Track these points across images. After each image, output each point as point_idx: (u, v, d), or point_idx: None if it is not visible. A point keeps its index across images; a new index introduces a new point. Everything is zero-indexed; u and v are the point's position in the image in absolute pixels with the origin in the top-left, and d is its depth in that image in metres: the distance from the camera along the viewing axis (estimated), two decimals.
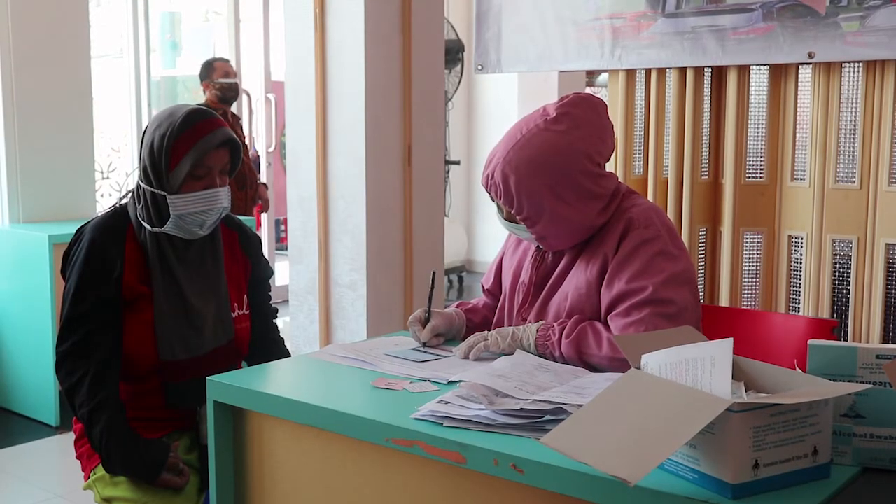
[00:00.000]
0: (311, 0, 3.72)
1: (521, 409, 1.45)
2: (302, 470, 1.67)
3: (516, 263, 2.08)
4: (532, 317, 1.97)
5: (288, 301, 4.08)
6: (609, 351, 1.77)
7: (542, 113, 1.92)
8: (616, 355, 1.75)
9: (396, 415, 1.52)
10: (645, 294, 1.80)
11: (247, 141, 5.67)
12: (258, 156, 6.51)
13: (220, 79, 5.40)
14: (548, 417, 1.43)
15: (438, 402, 1.52)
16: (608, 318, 1.85)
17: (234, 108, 5.77)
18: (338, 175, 3.75)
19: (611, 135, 1.97)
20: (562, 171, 1.87)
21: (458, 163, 7.70)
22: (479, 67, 3.31)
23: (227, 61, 5.61)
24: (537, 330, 1.87)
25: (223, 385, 1.74)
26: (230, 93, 5.41)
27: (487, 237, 8.06)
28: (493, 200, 1.97)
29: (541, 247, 2.00)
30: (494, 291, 2.18)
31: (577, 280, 1.92)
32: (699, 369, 1.27)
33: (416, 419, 1.49)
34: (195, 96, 6.23)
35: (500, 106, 7.87)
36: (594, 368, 1.79)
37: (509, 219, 1.96)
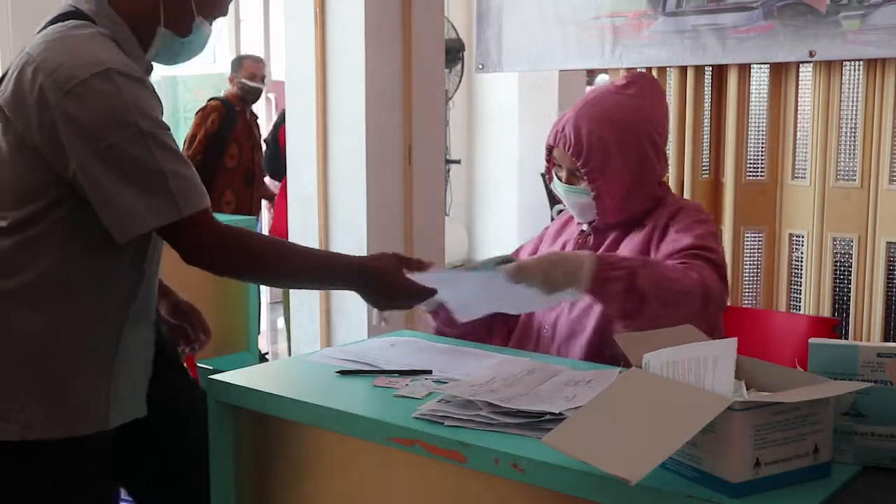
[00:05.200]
0: (311, 0, 3.72)
1: (519, 411, 1.45)
2: (302, 469, 1.67)
3: (561, 249, 2.07)
4: None
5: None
6: (697, 275, 1.74)
7: (613, 82, 2.03)
8: (705, 280, 1.73)
9: (397, 414, 1.51)
10: (698, 248, 1.82)
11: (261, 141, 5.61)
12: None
13: (244, 79, 5.34)
14: (548, 417, 1.43)
15: (439, 402, 1.52)
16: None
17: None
18: (338, 175, 3.75)
19: (667, 123, 2.04)
20: (630, 130, 1.92)
21: (458, 162, 7.70)
22: (480, 66, 3.31)
23: (259, 61, 5.51)
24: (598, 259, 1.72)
25: (223, 384, 1.74)
26: (250, 95, 5.36)
27: (488, 236, 8.06)
28: (554, 164, 1.99)
29: (585, 229, 2.01)
30: None
31: None
32: (702, 368, 1.27)
33: (416, 418, 1.49)
34: (196, 96, 6.23)
35: (500, 105, 7.87)
36: (661, 308, 1.69)
37: (569, 181, 1.97)
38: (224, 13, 1.83)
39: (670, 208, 1.96)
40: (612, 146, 1.91)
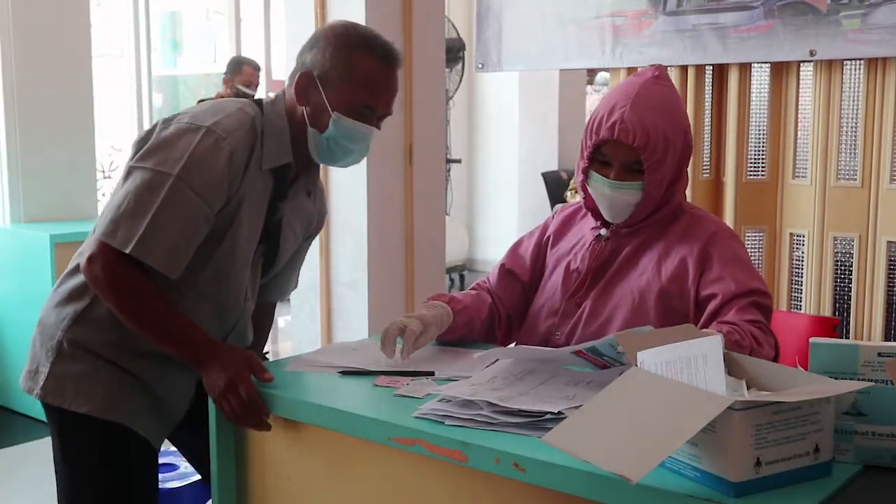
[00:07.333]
0: (312, 0, 3.72)
1: (520, 411, 1.45)
2: (304, 469, 1.67)
3: (571, 253, 2.02)
4: (589, 303, 1.93)
5: (289, 300, 4.08)
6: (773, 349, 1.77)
7: (640, 73, 1.93)
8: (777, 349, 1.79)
9: (398, 414, 1.51)
10: (754, 292, 1.82)
11: None
12: None
13: (241, 84, 5.23)
14: (549, 416, 1.43)
15: (440, 401, 1.52)
16: (721, 314, 1.80)
17: None
18: (338, 174, 3.75)
19: None
20: (678, 121, 1.90)
21: (459, 161, 7.70)
22: (480, 66, 3.31)
23: (257, 69, 5.41)
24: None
25: None
26: None
27: (489, 236, 8.06)
28: (594, 161, 1.89)
29: (602, 234, 1.96)
30: (521, 274, 2.09)
31: (647, 278, 1.88)
32: (693, 367, 1.27)
33: (417, 418, 1.49)
34: (196, 95, 6.23)
35: (500, 104, 7.87)
36: None
37: (620, 176, 1.86)
38: (373, 106, 1.85)
39: (706, 225, 1.91)
40: (671, 137, 1.85)
